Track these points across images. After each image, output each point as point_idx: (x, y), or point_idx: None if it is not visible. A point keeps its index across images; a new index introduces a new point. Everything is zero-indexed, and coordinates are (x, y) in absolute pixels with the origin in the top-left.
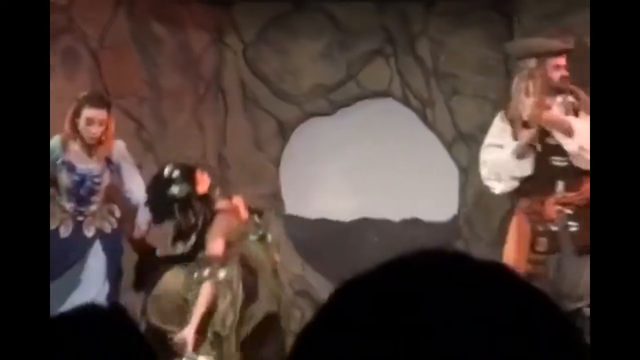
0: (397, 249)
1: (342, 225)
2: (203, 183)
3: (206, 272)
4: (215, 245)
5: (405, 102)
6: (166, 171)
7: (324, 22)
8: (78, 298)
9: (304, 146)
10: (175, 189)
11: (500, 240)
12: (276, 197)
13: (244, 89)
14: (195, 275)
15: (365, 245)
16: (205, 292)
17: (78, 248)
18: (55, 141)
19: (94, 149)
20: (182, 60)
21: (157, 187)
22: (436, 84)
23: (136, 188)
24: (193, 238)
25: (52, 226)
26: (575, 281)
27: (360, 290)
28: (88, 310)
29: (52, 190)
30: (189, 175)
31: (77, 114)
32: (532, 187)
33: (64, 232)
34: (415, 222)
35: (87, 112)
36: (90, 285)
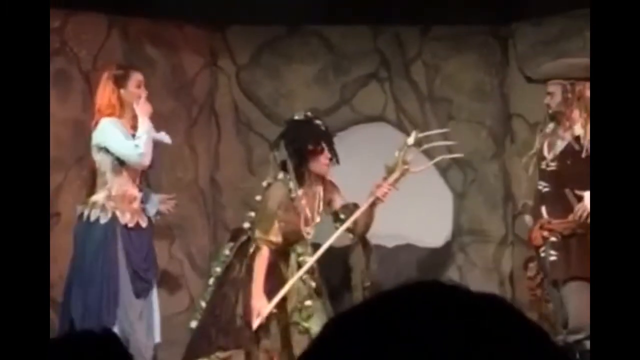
0: (390, 274)
1: (335, 250)
2: None
3: None
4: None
5: (400, 127)
6: (302, 114)
7: (318, 46)
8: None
9: None
10: (319, 122)
11: (495, 267)
12: None
13: (237, 113)
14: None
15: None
16: None
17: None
18: (104, 124)
19: (135, 120)
20: (175, 83)
21: (303, 125)
22: (431, 108)
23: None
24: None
25: (132, 222)
26: (557, 311)
27: (351, 325)
28: (82, 337)
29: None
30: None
31: (121, 83)
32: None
33: (143, 222)
34: (408, 248)
35: (136, 76)
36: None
